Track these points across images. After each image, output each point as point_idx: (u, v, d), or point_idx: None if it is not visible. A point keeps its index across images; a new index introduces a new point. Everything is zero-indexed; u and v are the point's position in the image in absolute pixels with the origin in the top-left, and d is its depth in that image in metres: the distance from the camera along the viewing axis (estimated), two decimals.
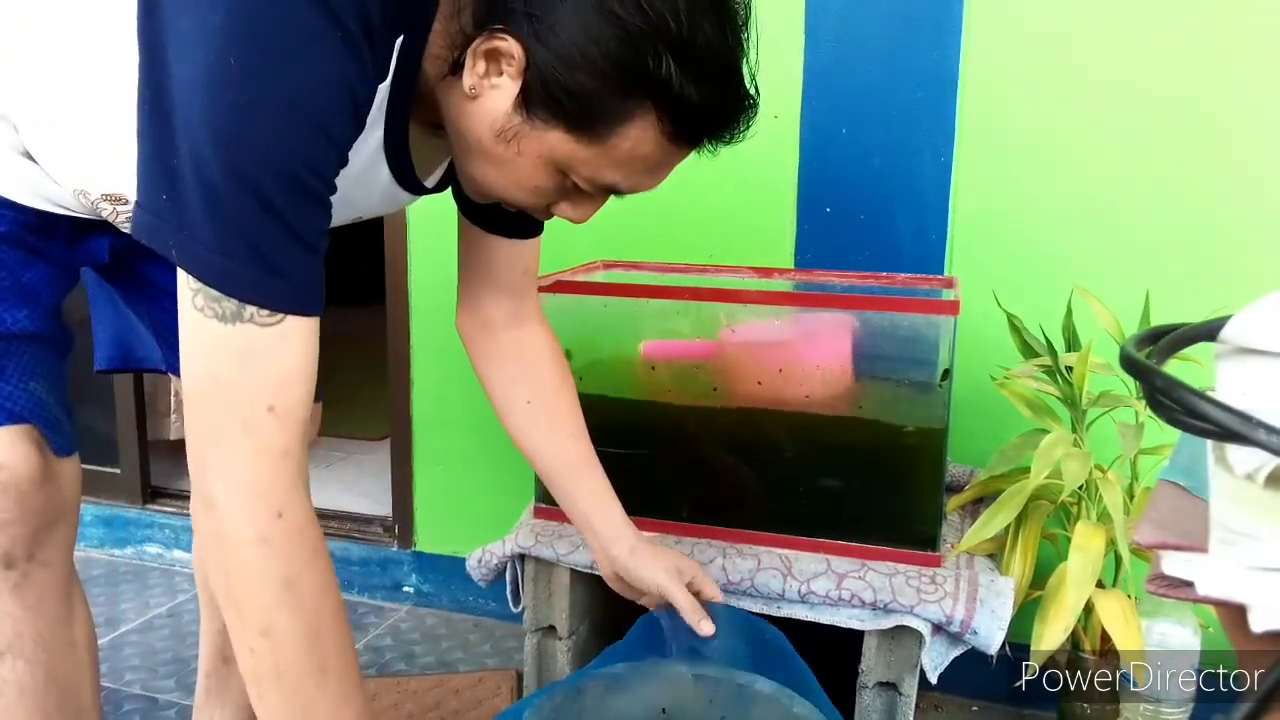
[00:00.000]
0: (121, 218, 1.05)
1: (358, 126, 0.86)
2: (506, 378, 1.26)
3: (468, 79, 0.86)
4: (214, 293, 0.80)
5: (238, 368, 0.82)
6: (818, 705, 1.11)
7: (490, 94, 0.86)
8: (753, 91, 0.92)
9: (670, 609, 1.23)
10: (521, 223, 1.19)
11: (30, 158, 1.00)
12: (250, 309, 0.80)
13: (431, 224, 2.06)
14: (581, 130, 0.85)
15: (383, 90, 0.88)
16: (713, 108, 0.86)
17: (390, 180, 0.99)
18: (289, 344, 0.82)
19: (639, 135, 0.87)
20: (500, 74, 0.85)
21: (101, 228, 1.12)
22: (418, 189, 1.03)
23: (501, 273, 1.22)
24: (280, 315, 0.81)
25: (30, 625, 1.08)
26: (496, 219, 1.18)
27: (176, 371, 1.31)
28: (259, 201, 0.78)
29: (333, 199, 0.87)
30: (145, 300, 1.30)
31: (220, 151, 0.77)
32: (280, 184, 0.78)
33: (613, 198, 0.98)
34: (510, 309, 1.24)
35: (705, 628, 1.19)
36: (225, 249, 0.79)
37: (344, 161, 0.85)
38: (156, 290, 1.28)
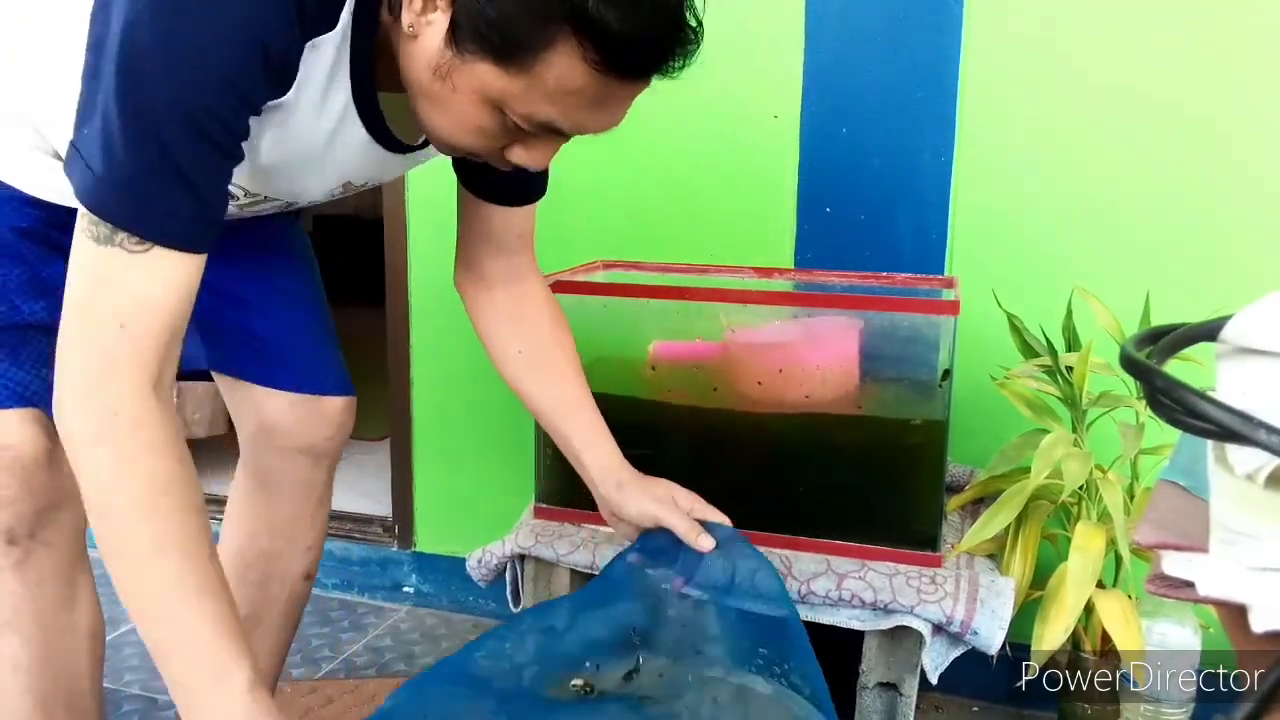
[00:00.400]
0: None
1: (272, 80, 0.88)
2: (502, 331, 1.28)
3: (406, 17, 0.88)
4: (93, 215, 0.85)
5: (100, 285, 0.87)
6: (804, 670, 1.09)
7: (426, 31, 0.88)
8: (693, 24, 0.89)
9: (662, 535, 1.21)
10: (514, 190, 1.21)
11: (58, 157, 1.03)
12: (121, 234, 0.85)
13: (432, 224, 2.06)
14: (507, 60, 0.85)
15: (334, 43, 0.89)
16: (636, 35, 0.84)
17: (369, 140, 1.00)
18: (152, 273, 0.86)
19: (564, 65, 0.85)
20: (435, 9, 0.86)
21: None
22: (399, 147, 1.04)
23: (497, 236, 1.24)
24: (148, 244, 0.86)
25: (29, 603, 1.11)
26: (490, 186, 1.20)
27: (218, 367, 1.35)
28: (154, 141, 0.83)
29: (313, 161, 0.94)
30: (224, 312, 1.34)
31: (123, 85, 0.82)
32: (176, 124, 0.82)
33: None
34: (505, 267, 1.26)
35: (704, 543, 1.17)
36: (112, 178, 0.84)
37: (255, 111, 0.88)
38: (201, 287, 1.31)
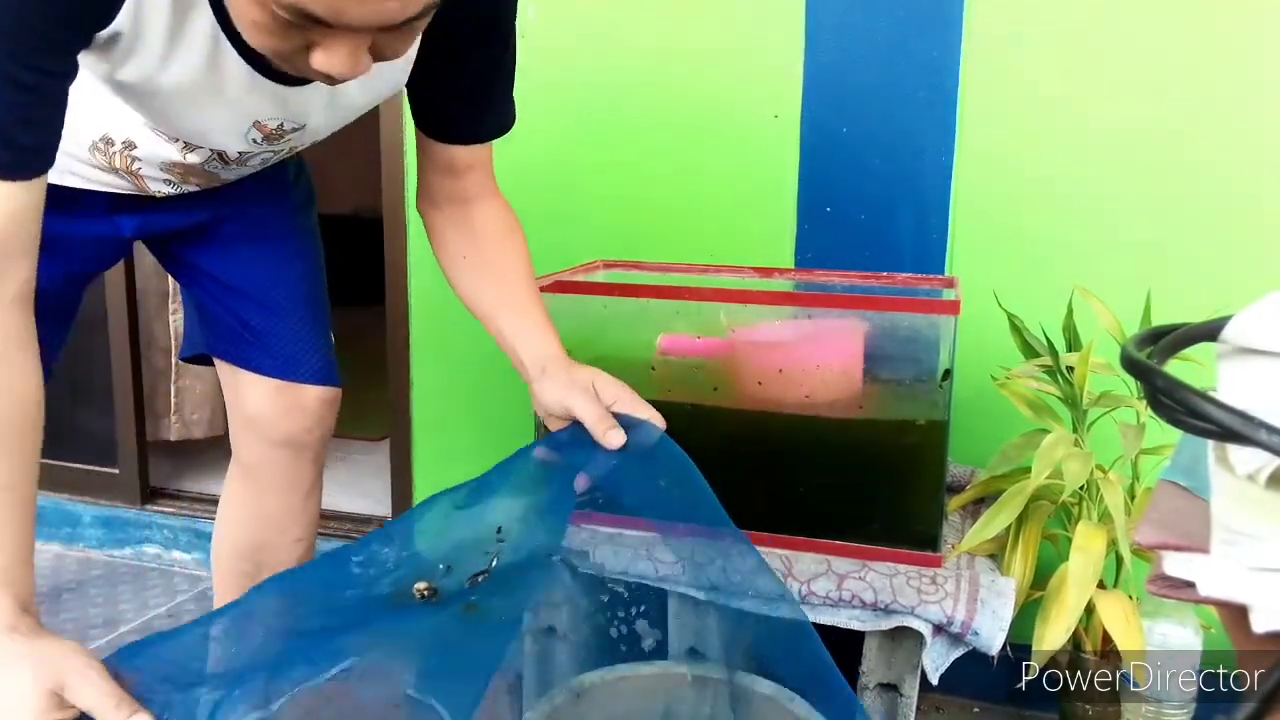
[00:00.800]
0: (136, 165, 1.11)
1: (83, 10, 0.87)
2: (449, 240, 1.25)
3: None
4: None
5: None
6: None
7: None
8: None
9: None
10: (464, 127, 1.19)
11: None
12: None
13: None
14: None
15: None
16: None
17: (250, 70, 0.98)
18: None
19: None
20: None
21: (128, 204, 1.20)
22: (284, 78, 1.01)
23: (454, 169, 1.22)
24: None
25: None
26: (441, 124, 1.19)
27: (213, 350, 1.37)
28: None
29: (201, 96, 0.96)
30: (193, 285, 1.37)
31: None
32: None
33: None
34: (460, 190, 1.23)
35: (612, 438, 1.07)
36: None
37: (61, 43, 0.87)
38: (198, 273, 1.34)
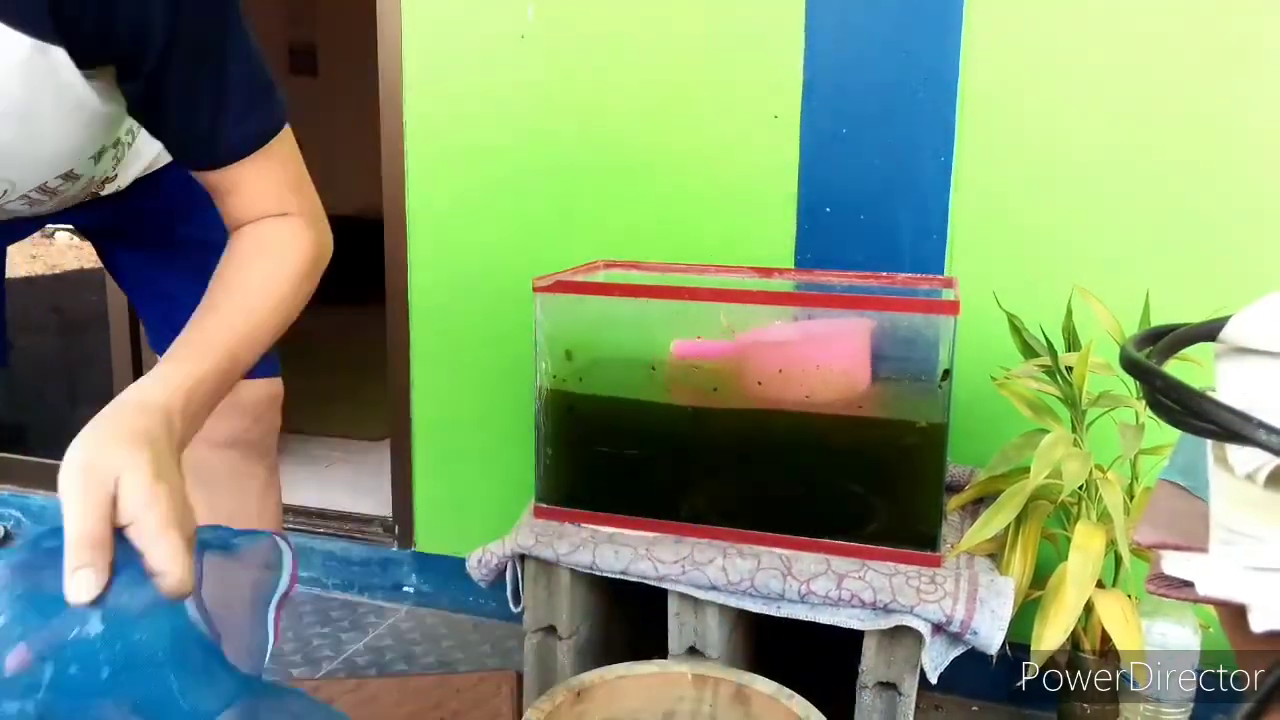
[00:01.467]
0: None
1: None
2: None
3: None
4: None
5: None
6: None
7: None
8: None
9: None
10: (194, 153, 0.96)
11: None
12: None
13: (431, 225, 2.06)
14: None
15: None
16: None
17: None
18: None
19: None
20: None
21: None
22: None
23: (215, 191, 0.98)
24: None
25: None
26: (178, 152, 0.98)
27: (154, 347, 1.33)
28: None
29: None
30: (117, 278, 1.34)
31: None
32: None
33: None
34: (227, 215, 0.99)
35: (75, 585, 0.63)
36: None
37: None
38: (119, 266, 1.31)
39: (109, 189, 1.18)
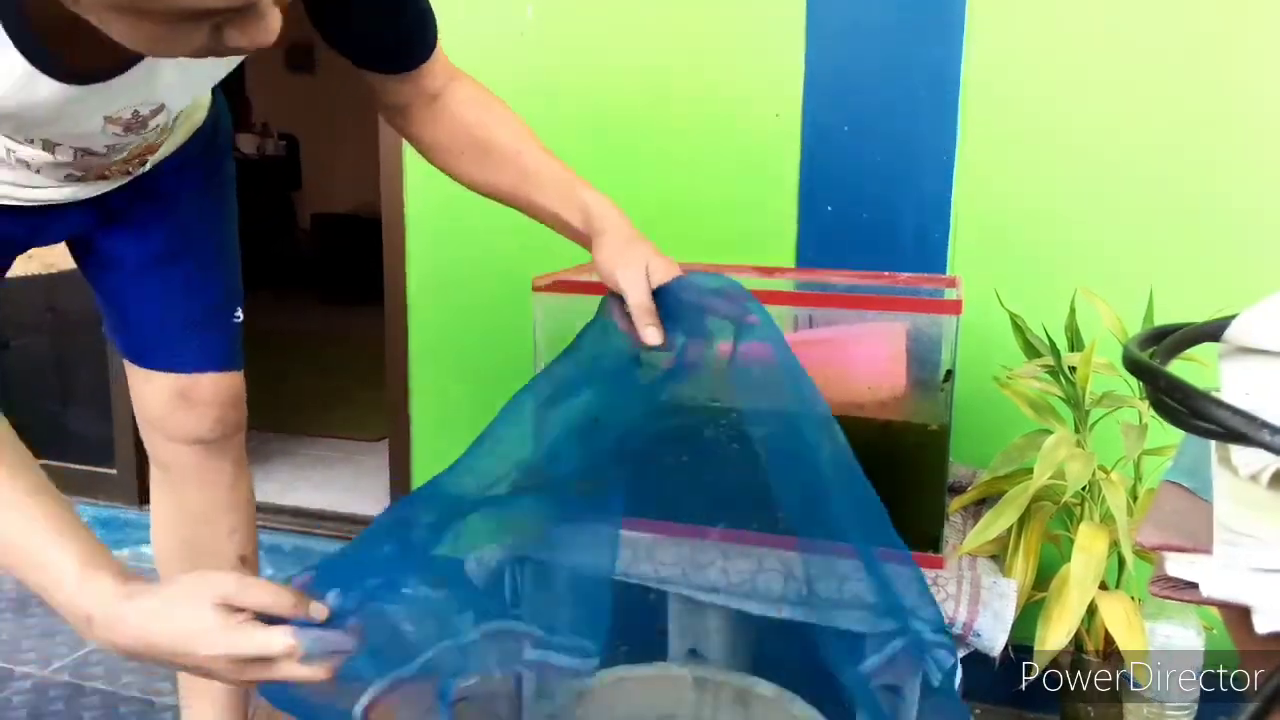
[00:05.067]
0: (27, 166, 1.07)
1: None
2: (439, 144, 1.18)
3: None
4: None
5: None
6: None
7: None
8: None
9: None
10: (392, 58, 1.12)
11: None
12: None
13: (430, 225, 2.05)
14: None
15: None
16: None
17: (68, 89, 0.93)
18: None
19: None
20: None
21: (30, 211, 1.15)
22: (102, 76, 0.97)
23: (406, 85, 1.14)
24: None
25: None
26: (367, 58, 1.12)
27: (115, 346, 1.33)
28: None
29: (48, 108, 0.91)
30: (102, 277, 1.32)
31: None
32: None
33: None
34: (421, 91, 1.16)
35: (651, 336, 1.05)
36: None
37: None
38: (111, 262, 1.30)
39: (142, 169, 1.19)
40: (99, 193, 1.19)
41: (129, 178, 1.21)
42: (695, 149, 1.85)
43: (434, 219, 2.05)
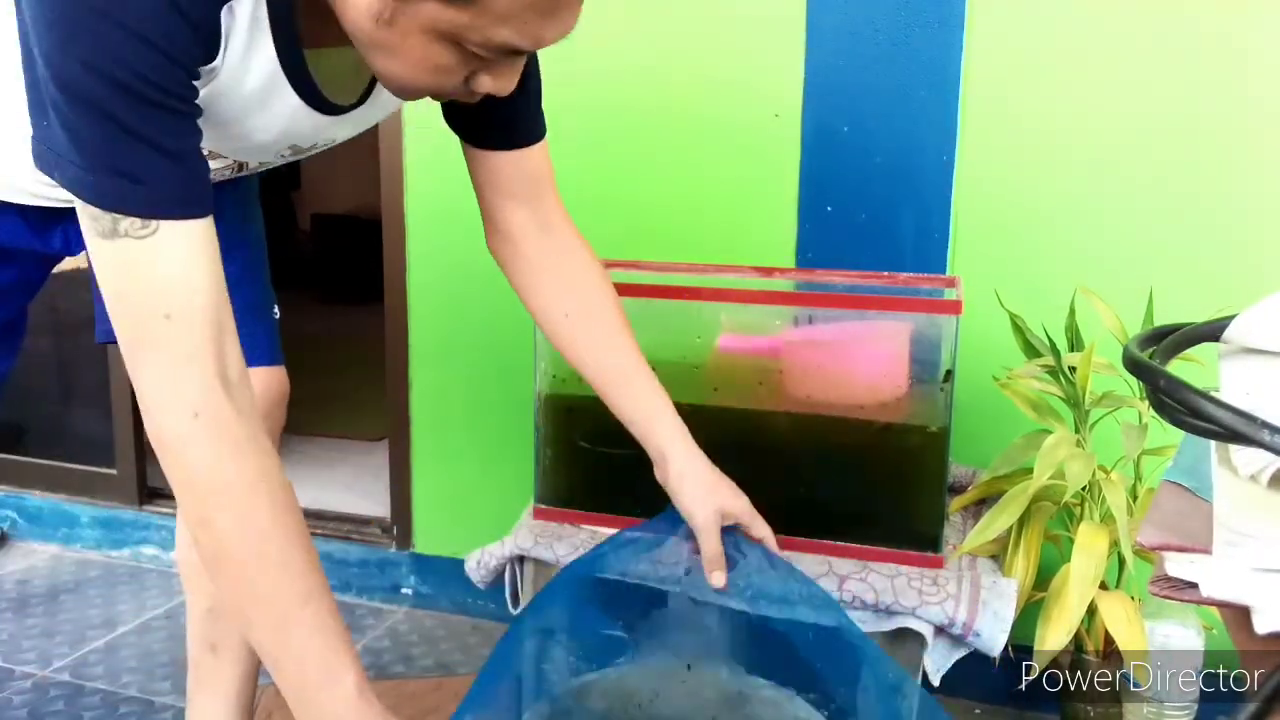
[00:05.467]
0: None
1: (199, 42, 0.85)
2: (543, 291, 1.22)
3: None
4: (93, 210, 0.83)
5: (128, 280, 0.85)
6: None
7: None
8: None
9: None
10: (512, 131, 1.16)
11: None
12: (124, 222, 0.83)
13: (430, 224, 2.05)
14: None
15: (248, 3, 0.86)
16: None
17: (302, 105, 0.97)
18: (168, 250, 0.84)
19: None
20: None
21: (62, 215, 1.17)
22: (334, 109, 1.01)
23: (508, 185, 1.18)
24: (153, 224, 0.83)
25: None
26: (486, 131, 1.16)
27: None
28: (99, 113, 0.80)
29: (249, 121, 0.93)
30: None
31: (51, 68, 0.80)
32: (112, 93, 0.79)
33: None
34: (528, 217, 1.20)
35: (716, 579, 1.15)
36: (88, 165, 0.81)
37: (192, 75, 0.85)
38: None
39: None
40: None
41: None
42: (695, 150, 1.85)
43: (434, 219, 2.05)
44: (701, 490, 1.17)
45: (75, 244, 1.22)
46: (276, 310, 1.41)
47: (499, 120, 1.11)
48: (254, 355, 1.33)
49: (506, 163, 1.17)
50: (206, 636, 1.44)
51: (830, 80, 1.74)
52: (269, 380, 1.35)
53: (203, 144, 1.00)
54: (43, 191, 1.13)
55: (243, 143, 1.03)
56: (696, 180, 1.86)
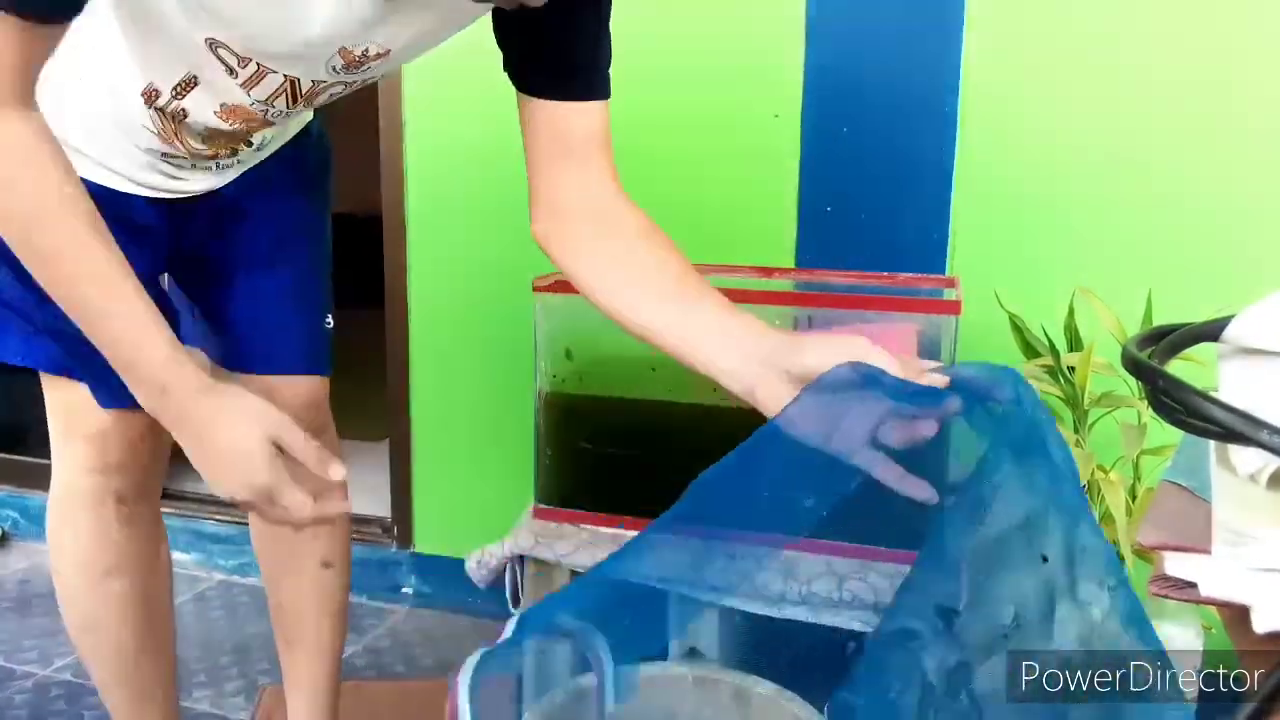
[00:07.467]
0: (183, 115, 1.08)
1: None
2: (596, 267, 1.09)
3: None
4: None
5: None
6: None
7: None
8: None
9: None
10: (571, 79, 1.06)
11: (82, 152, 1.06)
12: None
13: (431, 224, 2.05)
14: None
15: None
16: None
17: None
18: None
19: None
20: None
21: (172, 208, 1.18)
22: None
23: (565, 140, 1.07)
24: None
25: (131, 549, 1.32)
26: (542, 74, 1.06)
27: (211, 354, 1.38)
28: None
29: (291, 10, 0.91)
30: (211, 286, 1.33)
31: None
32: None
33: None
34: (583, 190, 1.08)
35: (936, 378, 0.95)
36: None
37: None
38: (220, 277, 1.32)
39: (248, 149, 1.20)
40: (223, 183, 1.22)
41: (241, 166, 1.23)
42: (694, 150, 1.85)
43: (434, 219, 2.05)
44: (826, 342, 0.98)
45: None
46: (330, 320, 1.45)
47: (558, 63, 1.03)
48: (290, 362, 1.37)
49: (562, 114, 1.06)
50: (281, 632, 1.50)
51: (830, 81, 1.74)
52: (298, 391, 1.38)
53: (244, 44, 0.98)
54: (129, 168, 1.13)
55: (284, 38, 0.96)
56: (696, 180, 1.86)
